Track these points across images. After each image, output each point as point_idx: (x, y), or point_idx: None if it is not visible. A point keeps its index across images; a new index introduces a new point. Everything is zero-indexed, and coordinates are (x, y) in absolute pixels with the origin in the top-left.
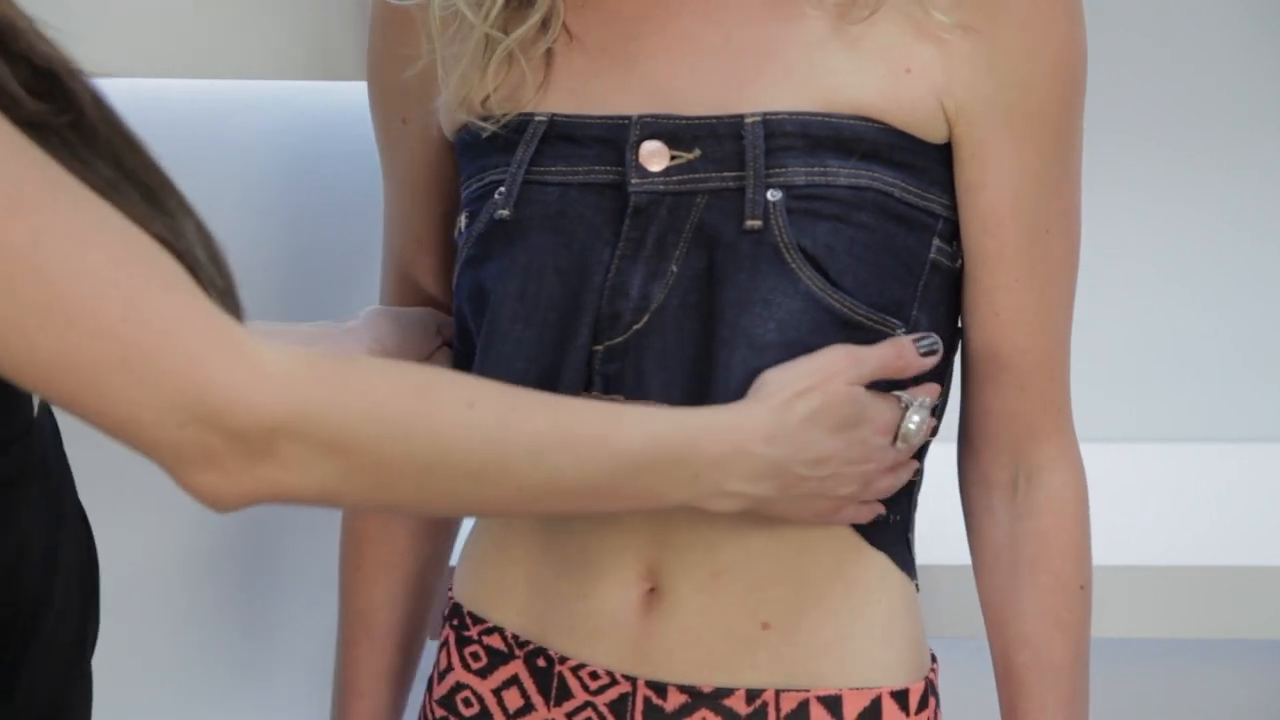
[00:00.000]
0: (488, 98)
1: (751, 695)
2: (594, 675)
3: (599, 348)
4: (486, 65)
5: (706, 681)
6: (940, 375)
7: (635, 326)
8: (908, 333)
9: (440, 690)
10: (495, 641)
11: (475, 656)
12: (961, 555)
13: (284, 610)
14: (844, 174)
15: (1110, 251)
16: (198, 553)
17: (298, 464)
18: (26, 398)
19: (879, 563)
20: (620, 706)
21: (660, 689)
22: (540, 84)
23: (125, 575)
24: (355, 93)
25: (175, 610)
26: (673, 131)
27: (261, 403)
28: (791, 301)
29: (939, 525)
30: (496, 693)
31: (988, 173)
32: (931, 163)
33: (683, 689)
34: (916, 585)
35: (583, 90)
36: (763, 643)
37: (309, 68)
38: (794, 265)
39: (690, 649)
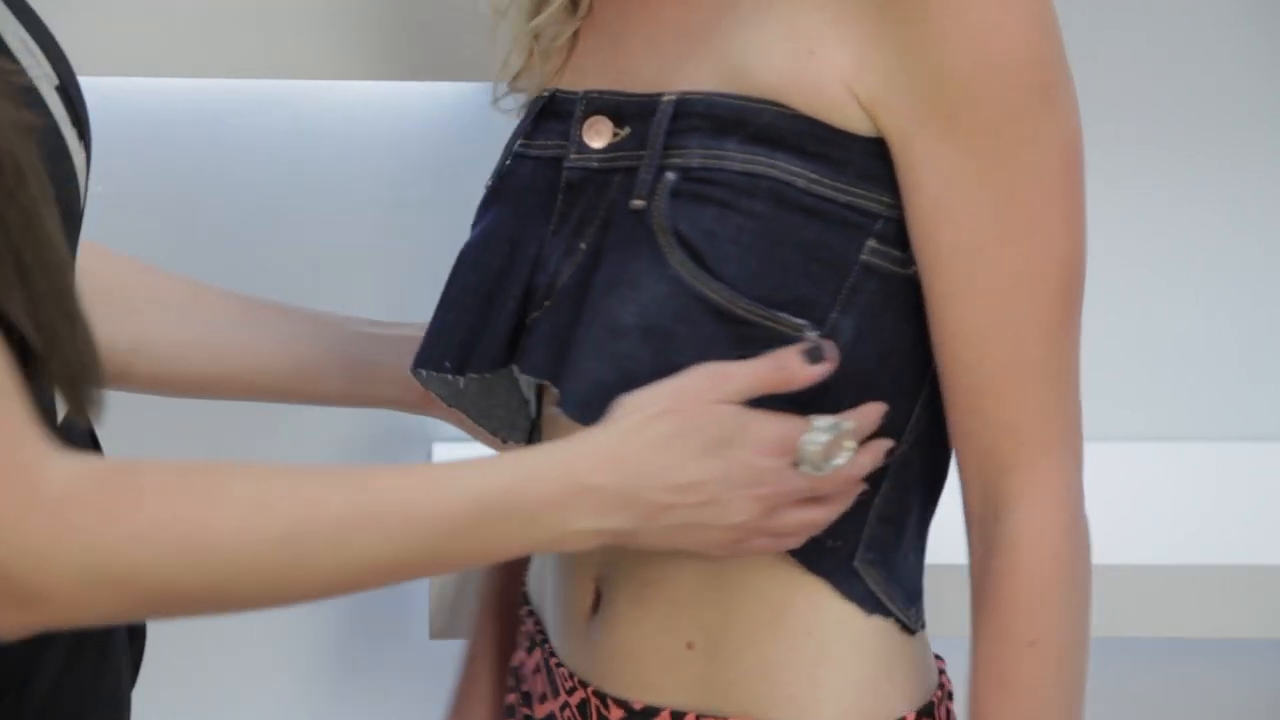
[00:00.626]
0: (518, 76)
1: (675, 716)
2: (567, 675)
3: (529, 321)
4: (518, 47)
5: (638, 698)
6: (892, 391)
7: (546, 303)
8: (824, 336)
9: (514, 662)
10: (530, 627)
11: (526, 637)
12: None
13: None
14: (740, 158)
15: (1110, 251)
16: None
17: (70, 599)
18: (49, 405)
19: (813, 591)
20: (584, 710)
21: (603, 699)
22: (561, 64)
23: None
24: (355, 92)
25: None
26: (615, 108)
27: (26, 534)
28: (657, 285)
29: (942, 524)
30: (533, 675)
31: (920, 172)
32: (857, 155)
33: (619, 703)
34: (901, 622)
35: (582, 67)
36: (687, 663)
37: (310, 67)
38: (665, 249)
39: (624, 663)
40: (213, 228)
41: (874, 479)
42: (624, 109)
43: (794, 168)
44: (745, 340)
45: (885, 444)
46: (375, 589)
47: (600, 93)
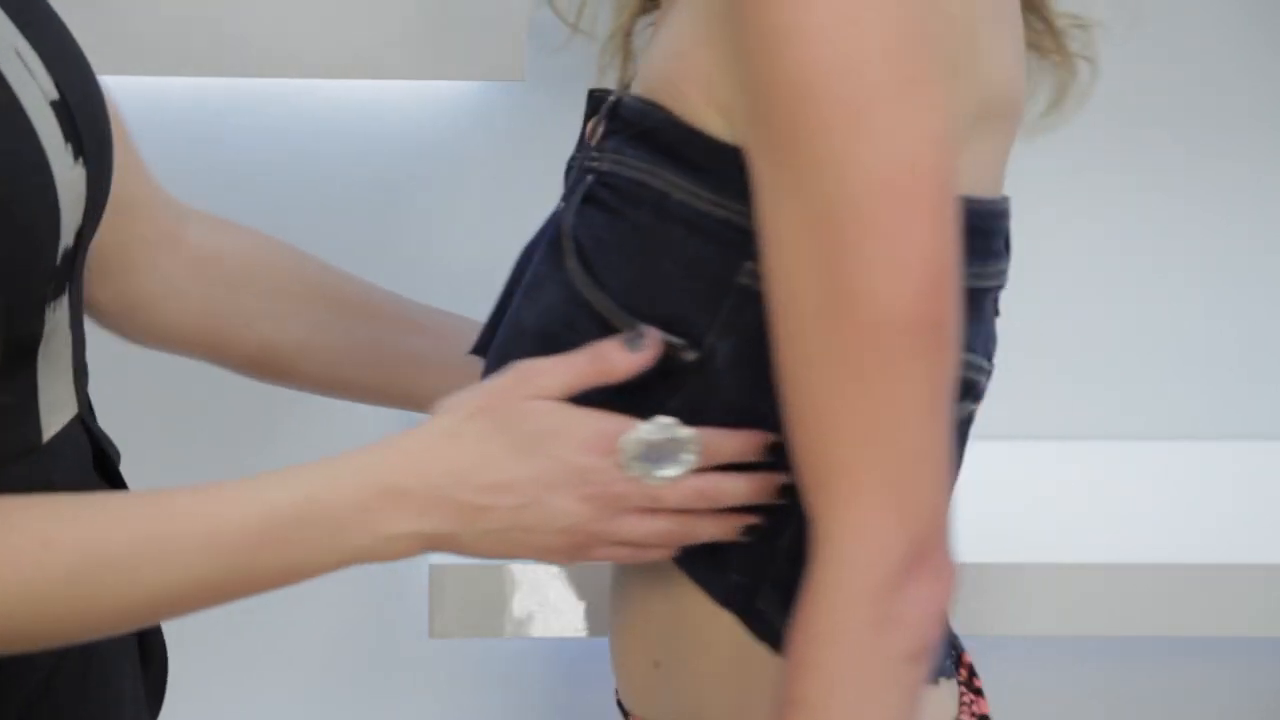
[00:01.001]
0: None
1: None
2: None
3: None
4: (612, 48)
5: (633, 707)
6: (779, 423)
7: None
8: (700, 358)
9: None
10: None
11: None
12: (981, 553)
13: (288, 609)
14: (632, 165)
15: (1110, 249)
16: None
17: None
18: (33, 421)
19: (726, 624)
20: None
21: (621, 704)
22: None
23: None
24: (355, 90)
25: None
26: (608, 109)
27: None
28: (555, 289)
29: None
30: None
31: (754, 187)
32: (731, 167)
33: (622, 709)
34: None
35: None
36: (656, 681)
37: (310, 66)
38: (565, 253)
39: (621, 677)
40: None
41: (776, 514)
42: (607, 110)
43: (675, 178)
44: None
45: (772, 479)
46: (186, 615)
47: (603, 92)
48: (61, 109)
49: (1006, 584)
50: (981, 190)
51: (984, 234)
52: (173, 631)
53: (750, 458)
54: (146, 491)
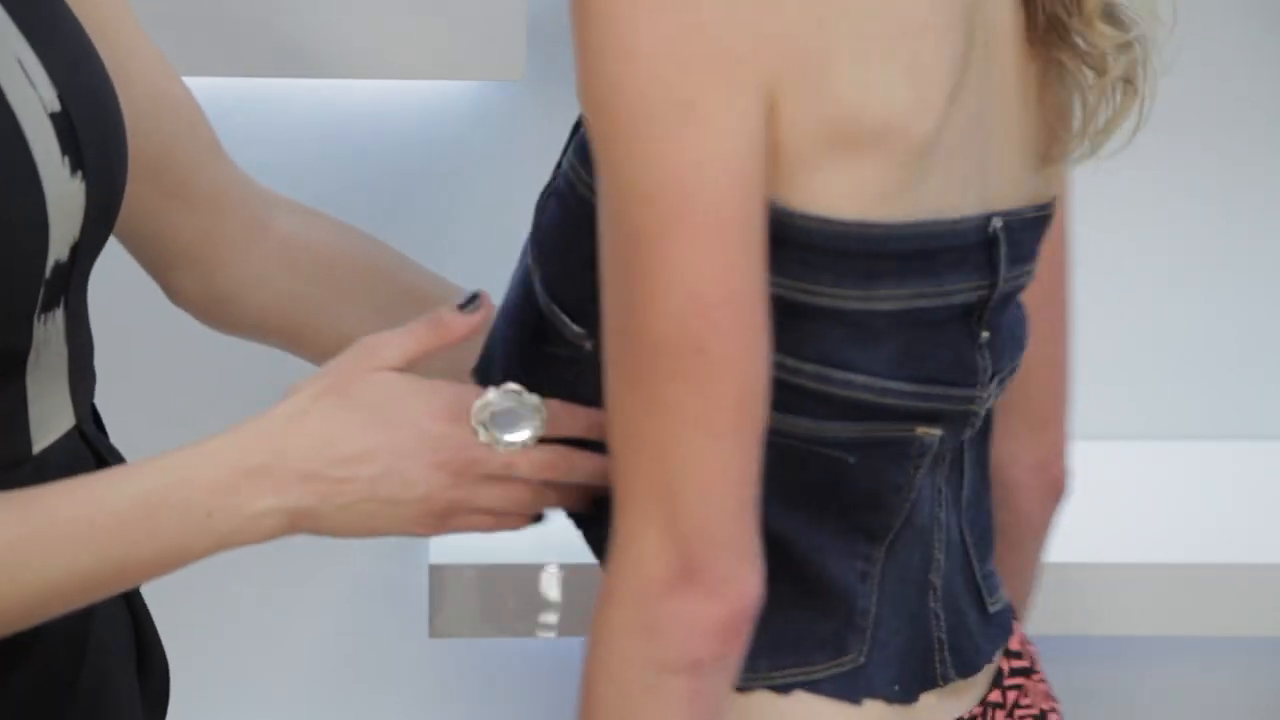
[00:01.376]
0: None
1: None
2: None
3: None
4: None
5: None
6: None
7: None
8: (594, 348)
9: None
10: None
11: None
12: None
13: (289, 608)
14: (570, 161)
15: (1110, 249)
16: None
17: None
18: (22, 433)
19: None
20: None
21: None
22: None
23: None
24: (355, 90)
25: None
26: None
27: None
28: (517, 275)
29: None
30: None
31: None
32: None
33: None
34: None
35: None
36: None
37: (310, 66)
38: (529, 243)
39: None
40: None
41: None
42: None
43: (587, 176)
44: (543, 336)
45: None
46: (72, 609)
47: None
48: (62, 120)
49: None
50: (853, 213)
51: (849, 256)
52: (173, 630)
53: (593, 435)
54: (22, 492)
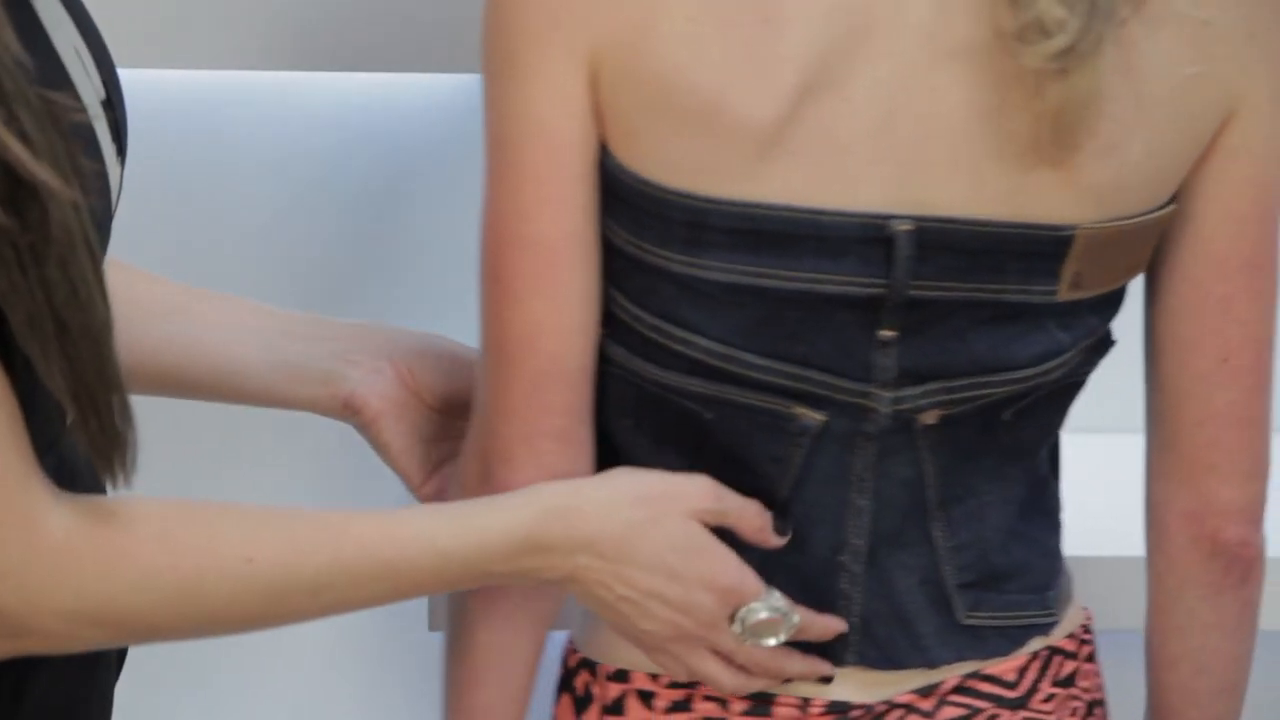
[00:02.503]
0: None
1: None
2: None
3: None
4: None
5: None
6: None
7: None
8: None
9: None
10: None
11: None
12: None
13: None
14: None
15: None
16: None
17: (63, 635)
18: (58, 410)
19: None
20: None
21: None
22: None
23: None
24: (354, 83)
25: None
26: None
27: (25, 581)
28: None
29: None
30: None
31: None
32: None
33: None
34: None
35: None
36: None
37: (308, 59)
38: None
39: None
40: (211, 221)
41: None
42: None
43: None
44: None
45: (837, 624)
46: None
47: None
48: (109, 108)
49: None
50: (674, 182)
51: (671, 222)
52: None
53: (823, 636)
54: (329, 515)
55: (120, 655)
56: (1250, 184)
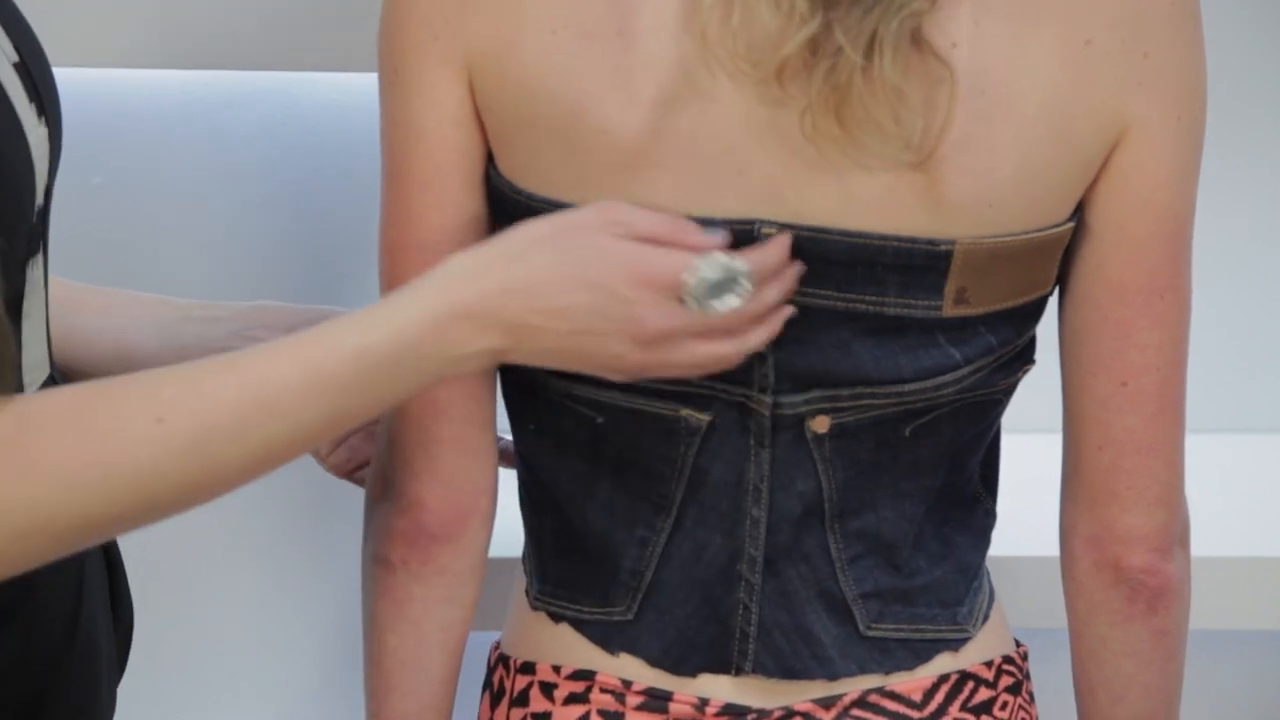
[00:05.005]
0: None
1: None
2: None
3: None
4: None
5: None
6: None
7: None
8: None
9: None
10: None
11: None
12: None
13: (288, 600)
14: None
15: None
16: (214, 550)
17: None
18: (18, 381)
19: None
20: None
21: None
22: None
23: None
24: (354, 83)
25: (193, 601)
26: None
27: None
28: None
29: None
30: None
31: None
32: None
33: None
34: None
35: None
36: None
37: (307, 59)
38: None
39: None
40: (211, 220)
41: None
42: None
43: None
44: None
45: (795, 269)
46: (284, 463)
47: None
48: (23, 70)
49: (1001, 577)
50: (545, 190)
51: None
52: (173, 626)
53: (778, 264)
54: (235, 356)
55: (122, 655)
56: (1147, 206)
